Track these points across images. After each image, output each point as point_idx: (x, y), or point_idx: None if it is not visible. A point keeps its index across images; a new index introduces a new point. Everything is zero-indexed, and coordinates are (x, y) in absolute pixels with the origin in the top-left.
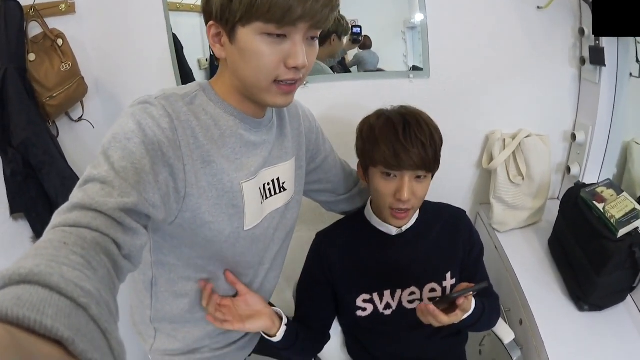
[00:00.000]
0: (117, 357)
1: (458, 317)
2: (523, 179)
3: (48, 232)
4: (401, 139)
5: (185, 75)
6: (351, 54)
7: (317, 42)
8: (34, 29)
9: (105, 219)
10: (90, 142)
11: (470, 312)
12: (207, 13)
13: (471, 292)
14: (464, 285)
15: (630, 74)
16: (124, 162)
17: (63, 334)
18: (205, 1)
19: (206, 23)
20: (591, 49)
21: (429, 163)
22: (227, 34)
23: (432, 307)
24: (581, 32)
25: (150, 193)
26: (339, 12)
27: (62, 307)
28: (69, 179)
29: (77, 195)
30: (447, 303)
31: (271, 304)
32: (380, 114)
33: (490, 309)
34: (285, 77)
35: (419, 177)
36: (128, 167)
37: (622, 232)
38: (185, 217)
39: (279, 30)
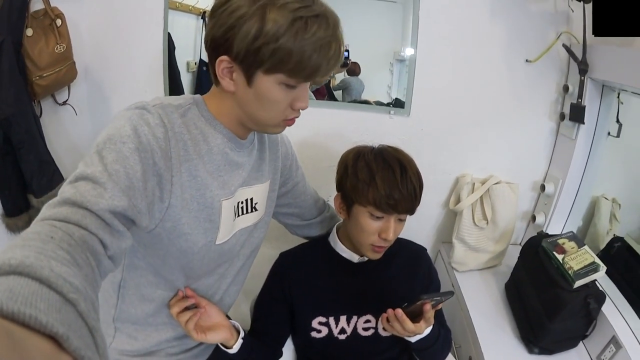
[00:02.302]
0: (102, 355)
1: (422, 328)
2: (487, 223)
3: (36, 224)
4: (399, 185)
5: (172, 76)
6: (338, 78)
7: None
8: (36, 4)
9: (95, 218)
10: (71, 127)
11: (429, 330)
12: (221, 46)
13: (437, 299)
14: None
15: (609, 133)
16: (117, 165)
17: (58, 330)
18: (220, 34)
19: (214, 54)
20: (572, 106)
21: (416, 207)
22: (245, 75)
23: (400, 311)
24: (565, 89)
25: (138, 199)
26: None
27: (52, 302)
28: (46, 164)
29: (68, 190)
30: (413, 313)
31: (228, 317)
32: (376, 153)
33: (444, 338)
34: (292, 116)
35: (401, 218)
36: (120, 170)
37: (578, 284)
38: (165, 226)
39: (299, 83)
